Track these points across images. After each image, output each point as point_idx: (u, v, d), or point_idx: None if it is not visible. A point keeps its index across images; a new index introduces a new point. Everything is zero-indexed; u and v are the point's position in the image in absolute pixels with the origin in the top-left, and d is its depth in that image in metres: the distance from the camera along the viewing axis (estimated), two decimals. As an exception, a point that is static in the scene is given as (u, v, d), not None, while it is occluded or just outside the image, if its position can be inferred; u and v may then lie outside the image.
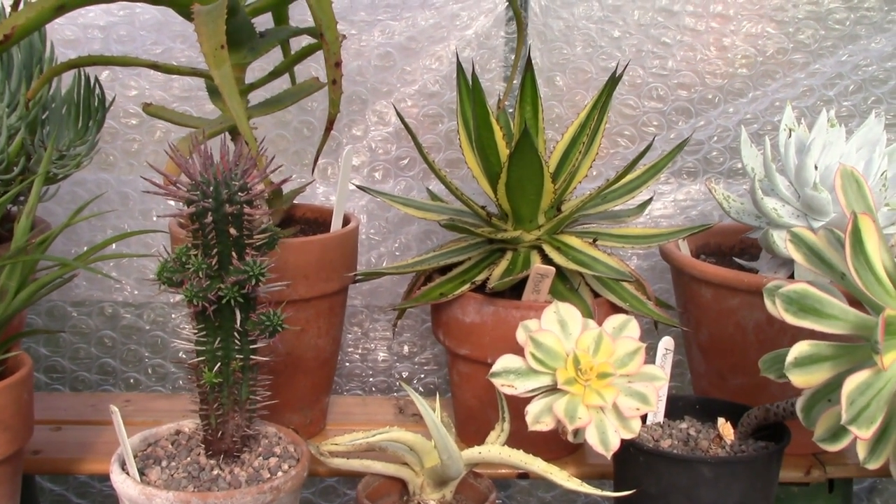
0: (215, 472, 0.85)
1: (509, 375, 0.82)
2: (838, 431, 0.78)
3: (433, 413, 0.82)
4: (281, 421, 0.97)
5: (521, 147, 0.96)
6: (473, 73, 1.02)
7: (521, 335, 0.83)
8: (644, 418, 0.95)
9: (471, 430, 1.08)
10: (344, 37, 0.97)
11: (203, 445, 0.88)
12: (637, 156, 1.03)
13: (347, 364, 1.35)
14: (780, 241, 1.04)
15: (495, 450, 0.87)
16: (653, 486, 0.87)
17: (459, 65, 1.05)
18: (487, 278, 1.02)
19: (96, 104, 1.09)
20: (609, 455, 0.80)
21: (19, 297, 0.88)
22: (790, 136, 1.08)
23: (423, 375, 1.36)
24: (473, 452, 0.88)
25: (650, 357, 0.94)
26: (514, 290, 1.03)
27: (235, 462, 0.87)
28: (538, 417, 0.80)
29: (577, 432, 0.80)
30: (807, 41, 1.28)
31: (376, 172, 1.31)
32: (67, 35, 1.24)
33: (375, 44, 1.28)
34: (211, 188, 0.78)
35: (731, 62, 1.29)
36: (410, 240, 1.31)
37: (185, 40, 1.25)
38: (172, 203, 0.81)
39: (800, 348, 0.77)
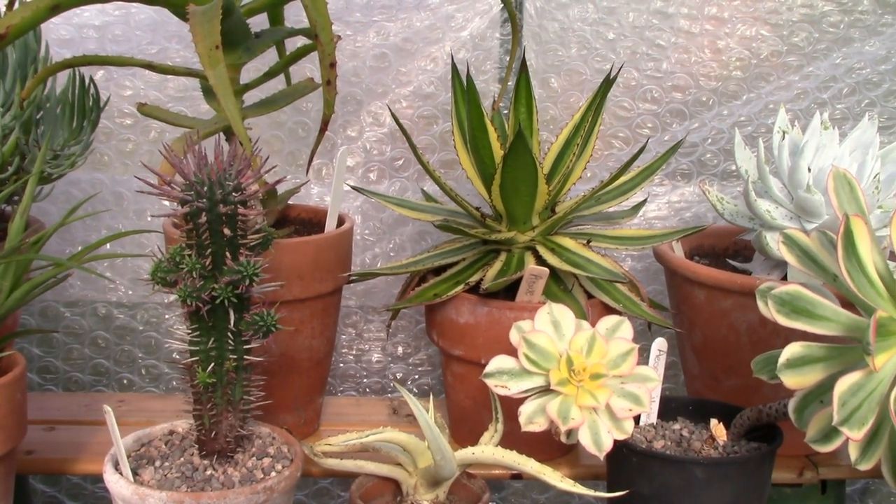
0: (209, 472, 0.85)
1: (503, 376, 0.82)
2: (830, 432, 0.78)
3: (426, 413, 0.82)
4: (275, 421, 0.97)
5: (515, 148, 0.96)
6: (468, 75, 1.02)
7: (514, 336, 0.84)
8: (637, 419, 0.96)
9: (465, 430, 1.08)
10: (339, 38, 0.97)
11: (197, 445, 0.88)
12: (631, 158, 1.03)
13: (342, 365, 1.35)
14: (774, 242, 1.04)
15: (489, 450, 0.88)
16: (645, 486, 0.87)
17: (454, 66, 1.05)
18: (481, 279, 1.03)
19: (91, 104, 1.09)
20: (602, 456, 0.80)
21: (13, 297, 0.88)
22: (784, 139, 1.09)
23: (417, 376, 1.36)
24: (467, 453, 0.88)
25: (644, 358, 0.94)
26: (509, 291, 1.03)
27: (229, 462, 0.87)
28: (531, 418, 0.80)
29: (570, 433, 0.81)
30: (801, 44, 1.29)
31: (371, 173, 1.31)
32: (63, 35, 1.24)
33: (371, 45, 1.29)
34: (205, 188, 0.78)
35: (725, 64, 1.30)
36: (405, 241, 1.32)
37: (180, 40, 1.25)
38: (167, 203, 0.81)
39: (792, 350, 0.78)
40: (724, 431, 0.89)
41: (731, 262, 1.16)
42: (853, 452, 0.79)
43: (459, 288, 1.03)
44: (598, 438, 0.80)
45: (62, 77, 1.09)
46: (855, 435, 0.73)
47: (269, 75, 1.06)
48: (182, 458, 0.87)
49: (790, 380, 0.78)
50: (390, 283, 1.30)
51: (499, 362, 0.83)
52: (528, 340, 0.82)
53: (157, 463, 0.86)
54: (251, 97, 1.11)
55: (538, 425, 0.80)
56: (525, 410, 0.81)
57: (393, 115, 1.10)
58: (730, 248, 1.23)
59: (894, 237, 0.79)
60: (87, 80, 1.09)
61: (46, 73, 0.98)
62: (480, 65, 1.30)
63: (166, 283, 0.81)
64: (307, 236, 1.08)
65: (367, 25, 1.28)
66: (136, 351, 1.33)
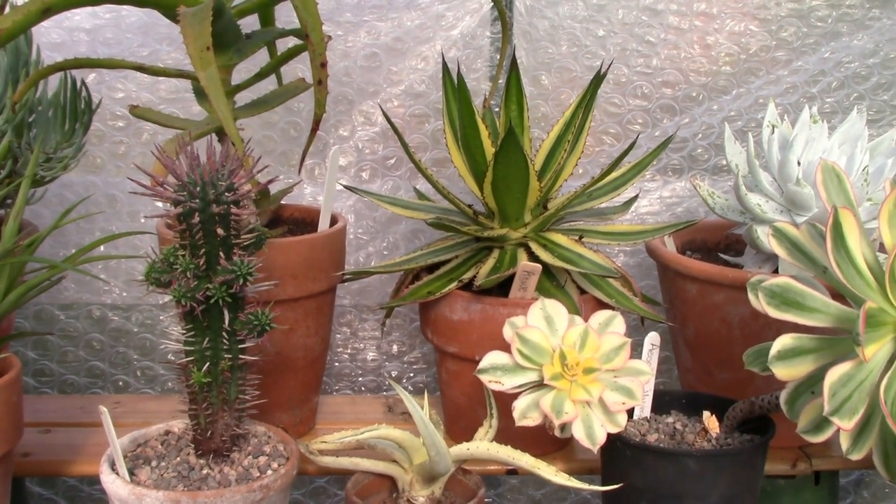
0: (205, 471, 0.85)
1: (496, 372, 0.83)
2: (821, 423, 0.78)
3: (421, 410, 0.83)
4: (271, 420, 0.98)
5: (506, 146, 0.96)
6: (459, 73, 1.03)
7: (507, 332, 0.84)
8: (631, 413, 0.96)
9: (460, 427, 1.09)
10: (329, 38, 0.97)
11: (193, 445, 0.88)
12: (621, 154, 1.04)
13: (337, 364, 1.35)
14: (764, 236, 1.05)
15: (483, 446, 0.88)
16: (639, 479, 0.88)
17: (445, 65, 1.06)
18: (475, 276, 1.03)
19: (83, 107, 1.09)
20: (595, 449, 0.81)
21: (7, 300, 0.88)
22: (773, 133, 1.10)
23: (412, 374, 1.36)
24: (462, 449, 0.89)
25: (637, 353, 0.95)
26: (502, 288, 1.04)
27: (225, 461, 0.87)
28: (525, 413, 0.81)
29: (563, 427, 0.81)
30: (789, 39, 1.29)
31: (363, 172, 1.31)
32: (54, 38, 1.24)
33: (362, 44, 1.29)
34: (198, 189, 0.78)
35: (714, 60, 1.30)
36: (398, 239, 1.32)
37: (171, 42, 1.25)
38: (160, 205, 0.81)
39: (783, 341, 0.78)
40: (717, 424, 0.90)
41: (722, 256, 1.17)
42: (844, 442, 0.79)
43: (453, 285, 1.03)
44: (591, 432, 0.80)
45: (54, 80, 1.10)
46: (846, 425, 0.74)
47: (261, 76, 1.07)
48: (178, 458, 0.87)
49: (781, 371, 0.78)
50: (384, 282, 1.30)
51: (492, 358, 0.84)
52: (522, 336, 0.83)
53: (154, 463, 0.87)
54: (243, 98, 1.11)
55: (532, 420, 0.81)
56: (519, 405, 0.81)
57: (385, 115, 1.10)
58: (721, 242, 1.23)
59: (883, 229, 0.79)
60: (78, 83, 1.09)
61: (38, 77, 0.99)
62: (471, 63, 1.30)
63: (160, 283, 0.82)
64: (300, 236, 1.08)
65: (358, 25, 1.29)
66: (131, 353, 1.33)
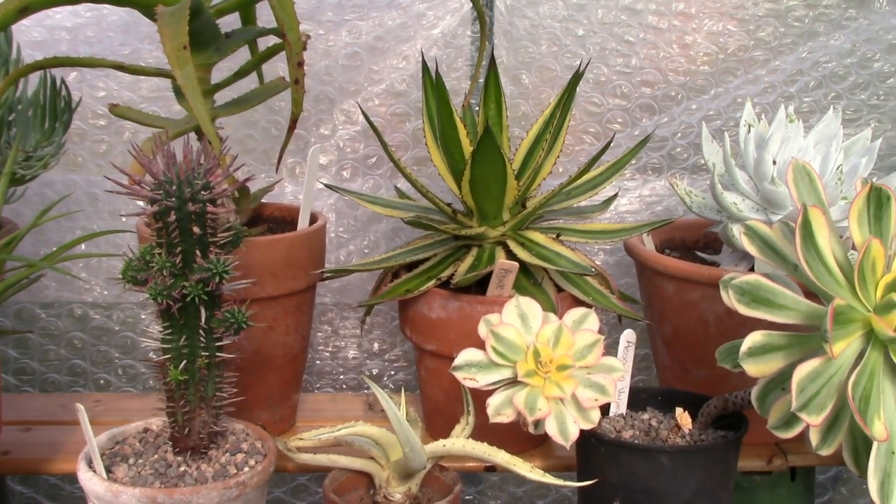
0: (182, 468, 0.86)
1: (471, 369, 0.84)
2: (791, 419, 0.79)
3: (395, 406, 0.83)
4: (250, 418, 0.98)
5: (483, 145, 0.97)
6: (437, 72, 1.04)
7: (482, 329, 0.85)
8: (607, 410, 0.97)
9: (439, 424, 1.09)
10: (308, 37, 0.98)
11: (170, 443, 0.89)
12: (598, 153, 1.04)
13: (318, 362, 1.36)
14: (739, 234, 1.06)
15: (459, 442, 0.89)
16: (614, 475, 0.88)
17: (425, 64, 1.06)
18: (453, 274, 1.04)
19: (62, 106, 1.09)
20: (568, 445, 0.81)
21: (-15, 298, 0.89)
22: (749, 132, 1.11)
23: (393, 372, 1.37)
24: (438, 445, 0.89)
25: (615, 350, 0.96)
26: (480, 286, 1.04)
27: (202, 458, 0.88)
28: (499, 409, 0.82)
29: (537, 424, 0.82)
30: (767, 38, 1.30)
31: (344, 171, 1.32)
32: (34, 37, 1.24)
33: (343, 43, 1.29)
34: (174, 187, 0.79)
35: (693, 60, 1.31)
36: (379, 237, 1.33)
37: (152, 41, 1.26)
38: (141, 204, 0.82)
39: (753, 338, 0.79)
40: (690, 420, 0.91)
41: (699, 254, 1.18)
42: (814, 438, 0.80)
43: (431, 283, 1.04)
44: (564, 428, 0.81)
45: (34, 79, 1.10)
46: (814, 420, 0.75)
47: (240, 75, 1.07)
48: (156, 455, 0.88)
49: (752, 368, 0.79)
50: (365, 280, 1.31)
51: (467, 355, 0.84)
52: (496, 333, 0.84)
53: (131, 460, 0.87)
54: (224, 96, 1.12)
55: (506, 416, 0.81)
56: (493, 402, 0.82)
57: (364, 114, 1.10)
58: (700, 240, 1.24)
59: (853, 227, 0.80)
60: (58, 82, 1.09)
61: (17, 75, 0.99)
62: (452, 62, 1.31)
63: (137, 281, 0.82)
64: (280, 234, 1.08)
65: (339, 24, 1.29)
66: (112, 351, 1.33)
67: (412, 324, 1.08)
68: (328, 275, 1.13)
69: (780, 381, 0.82)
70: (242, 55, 1.12)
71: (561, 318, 0.88)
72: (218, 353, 0.86)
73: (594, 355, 0.84)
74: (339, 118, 1.31)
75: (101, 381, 1.34)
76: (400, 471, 0.89)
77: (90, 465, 0.85)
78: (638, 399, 1.00)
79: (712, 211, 1.14)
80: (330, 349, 1.36)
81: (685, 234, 1.24)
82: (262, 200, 1.19)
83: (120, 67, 1.02)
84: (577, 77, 1.07)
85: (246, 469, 0.86)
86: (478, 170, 1.00)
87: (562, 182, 1.08)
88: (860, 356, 0.78)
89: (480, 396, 0.88)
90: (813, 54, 1.31)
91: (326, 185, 1.20)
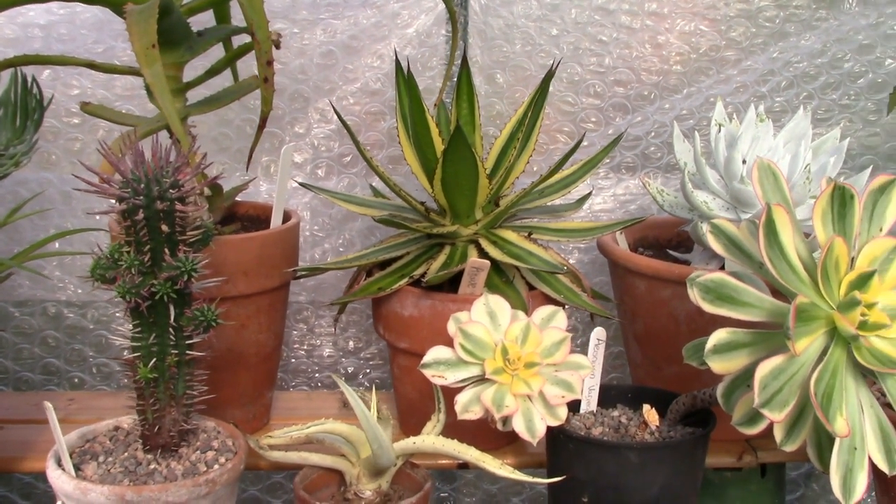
0: (152, 466, 0.86)
1: (440, 366, 0.84)
2: (755, 415, 0.80)
3: (363, 403, 0.84)
4: (224, 416, 0.98)
5: (454, 143, 0.97)
6: (409, 70, 1.04)
7: (451, 327, 0.85)
8: (577, 407, 0.98)
9: (412, 422, 1.10)
10: (279, 35, 0.98)
11: (141, 441, 0.89)
12: (569, 151, 1.05)
13: (293, 360, 1.36)
14: (706, 232, 1.06)
15: (429, 440, 0.89)
16: (582, 472, 0.89)
17: (398, 62, 1.07)
18: (426, 272, 1.04)
19: (34, 104, 1.09)
20: (535, 442, 0.82)
21: (-46, 296, 0.88)
22: (720, 131, 1.11)
23: (368, 370, 1.37)
24: (408, 443, 0.90)
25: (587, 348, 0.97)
26: (453, 284, 1.05)
27: (173, 456, 0.88)
28: (467, 406, 0.82)
29: (505, 420, 0.82)
30: (738, 38, 1.31)
31: (319, 170, 1.32)
32: (7, 34, 1.24)
33: (318, 42, 1.30)
34: (142, 185, 0.79)
35: (666, 59, 1.32)
36: (354, 236, 1.33)
37: (125, 39, 1.23)
38: (112, 202, 0.82)
39: (718, 336, 0.80)
40: (657, 416, 0.92)
41: (671, 252, 1.19)
42: (778, 434, 0.81)
43: (404, 281, 1.04)
44: (531, 425, 0.82)
45: (5, 76, 1.09)
46: (776, 417, 0.76)
47: (212, 73, 1.07)
48: (126, 454, 0.88)
49: (717, 365, 0.80)
50: (340, 279, 1.31)
51: (436, 353, 0.85)
52: (464, 331, 0.84)
53: (101, 458, 0.87)
54: (199, 95, 1.12)
55: (473, 413, 0.82)
56: (461, 399, 0.82)
57: (336, 113, 1.11)
58: (673, 239, 1.25)
59: (817, 225, 0.81)
60: (29, 80, 1.09)
61: (-13, 73, 0.99)
62: (427, 61, 1.31)
63: (105, 279, 0.82)
64: (253, 232, 1.09)
65: (314, 23, 1.29)
66: (86, 350, 1.33)
67: (385, 322, 1.08)
68: (302, 273, 1.13)
69: (746, 378, 0.83)
70: (218, 54, 1.12)
71: (531, 315, 0.88)
72: (188, 351, 0.86)
73: (562, 353, 0.84)
74: (314, 117, 1.31)
75: (76, 380, 1.34)
76: (370, 468, 0.90)
77: (59, 463, 0.85)
78: (608, 396, 1.00)
79: (684, 210, 1.15)
80: (305, 347, 1.36)
81: (658, 233, 1.25)
82: (237, 199, 1.19)
83: (91, 66, 1.02)
84: (549, 76, 1.07)
85: (216, 466, 0.86)
86: (449, 168, 1.01)
87: (533, 181, 1.09)
88: (823, 353, 0.79)
89: (452, 394, 0.89)
90: (784, 54, 1.32)
91: (301, 184, 1.21)
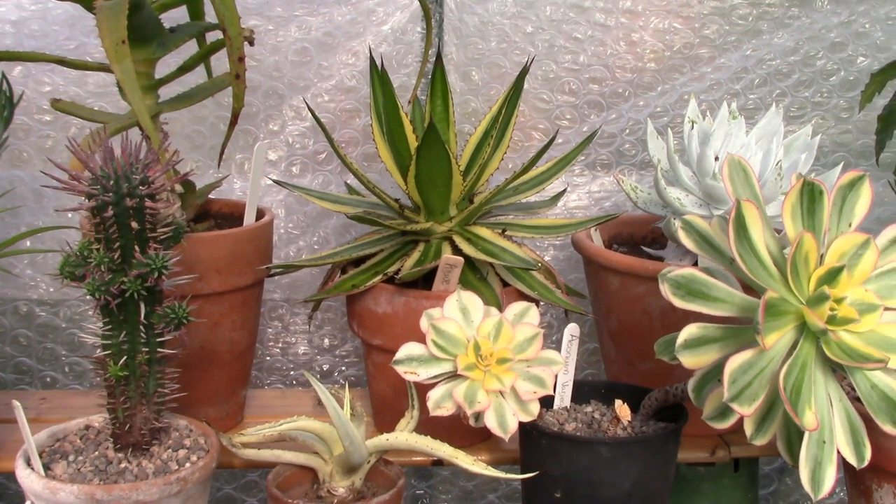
0: (123, 465, 0.85)
1: (412, 363, 0.84)
2: (725, 410, 0.81)
3: (334, 400, 0.83)
4: (197, 414, 0.98)
5: (428, 140, 0.97)
6: (382, 67, 1.04)
7: (423, 323, 0.85)
8: (551, 403, 0.98)
9: (387, 419, 1.10)
10: (252, 31, 0.98)
11: (112, 439, 0.88)
12: (541, 148, 1.06)
13: (268, 358, 1.35)
14: (677, 228, 1.07)
15: (402, 436, 0.89)
16: (555, 467, 0.89)
17: (372, 60, 1.06)
18: (400, 269, 1.04)
19: (3, 101, 1.08)
20: (507, 437, 0.82)
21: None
22: (693, 128, 1.12)
23: (343, 368, 1.37)
24: (381, 439, 0.90)
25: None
26: (428, 281, 1.05)
27: (144, 455, 0.87)
28: (439, 403, 0.82)
29: (478, 416, 0.83)
30: (712, 36, 1.32)
31: (294, 167, 1.32)
32: (-23, 30, 1.23)
33: (292, 39, 1.29)
34: (111, 182, 0.78)
35: (640, 57, 1.33)
36: (329, 233, 1.33)
37: (98, 35, 1.24)
38: (84, 200, 0.81)
39: (689, 331, 0.80)
40: (629, 412, 0.92)
41: (645, 249, 1.20)
42: (748, 428, 0.82)
43: (377, 278, 1.04)
44: (503, 421, 0.82)
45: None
46: (745, 411, 0.76)
47: (184, 69, 1.07)
48: (97, 452, 0.87)
49: (688, 360, 0.81)
50: (315, 276, 1.31)
51: (408, 349, 0.85)
52: (437, 327, 0.84)
53: (71, 457, 0.86)
54: (174, 92, 1.11)
55: (446, 409, 0.82)
56: (433, 395, 0.82)
57: (310, 110, 1.10)
58: (647, 236, 1.26)
59: (786, 221, 0.82)
60: (-1, 77, 1.08)
61: (-45, 69, 0.98)
62: (402, 59, 1.31)
63: (75, 277, 0.81)
64: (226, 230, 1.08)
65: (289, 20, 1.29)
66: (58, 348, 1.32)
67: (359, 319, 1.08)
68: (276, 271, 1.13)
69: (716, 373, 0.83)
70: (192, 51, 1.11)
71: (504, 312, 0.88)
72: (159, 349, 0.85)
73: (534, 348, 0.84)
74: (289, 114, 1.30)
75: (48, 379, 1.33)
76: (343, 465, 0.89)
77: (28, 462, 0.84)
78: (582, 392, 1.01)
79: (657, 206, 1.15)
80: (280, 345, 1.35)
81: (633, 230, 1.26)
82: (210, 197, 1.19)
83: (61, 62, 1.01)
84: (523, 73, 1.08)
85: (187, 465, 0.85)
86: (423, 165, 1.01)
87: (506, 177, 1.09)
88: (793, 347, 0.79)
89: (426, 391, 0.88)
90: (757, 52, 1.33)
91: (275, 181, 1.20)
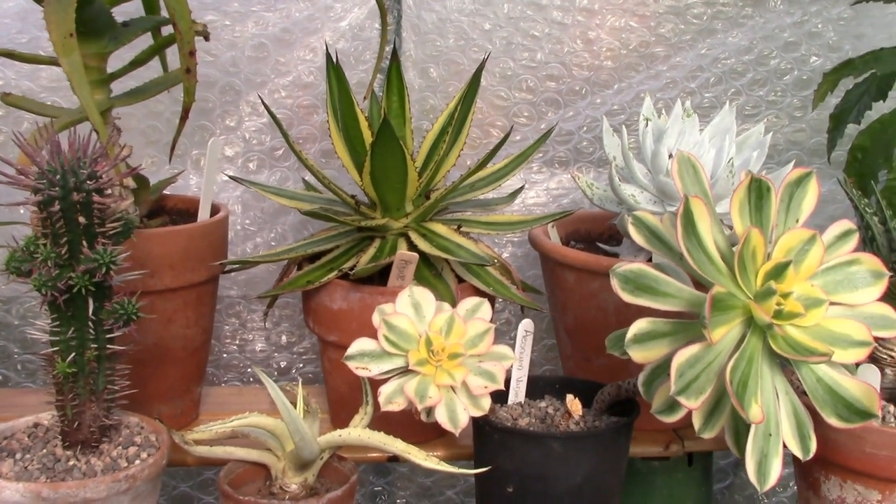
0: (71, 462, 0.84)
1: (364, 358, 0.84)
2: (673, 404, 0.81)
3: (283, 396, 0.83)
4: (151, 411, 0.97)
5: (381, 135, 0.97)
6: (337, 63, 1.04)
7: (376, 318, 0.85)
8: (506, 398, 0.99)
9: (343, 415, 1.09)
10: (204, 26, 0.97)
11: (60, 437, 0.87)
12: (496, 145, 1.06)
13: (225, 355, 1.35)
14: (627, 224, 1.08)
15: (355, 432, 0.89)
16: (507, 462, 0.90)
17: (328, 55, 1.06)
18: (355, 265, 1.04)
19: (-48, 95, 1.06)
20: (457, 432, 0.82)
21: None
22: (647, 126, 1.13)
23: (301, 365, 1.37)
24: (334, 436, 0.89)
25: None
26: (385, 278, 1.05)
27: (93, 452, 0.86)
28: (390, 398, 0.82)
29: (429, 412, 0.83)
30: (667, 35, 1.33)
31: (251, 163, 1.31)
32: (-74, 23, 1.21)
33: (249, 35, 1.29)
34: (58, 176, 0.77)
35: (596, 55, 1.33)
36: (287, 230, 1.32)
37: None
38: (31, 194, 0.80)
39: (639, 325, 0.81)
40: (580, 406, 0.93)
41: (601, 245, 1.20)
42: (696, 421, 0.83)
43: (332, 274, 1.04)
44: (454, 416, 0.82)
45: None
46: (692, 404, 0.77)
47: (136, 64, 1.06)
48: (45, 450, 0.86)
49: (637, 354, 0.81)
50: (272, 273, 1.30)
51: (360, 345, 0.85)
52: (389, 323, 0.84)
53: (18, 455, 0.85)
54: (130, 87, 1.10)
55: (397, 405, 0.82)
56: (384, 391, 0.83)
57: (265, 105, 1.10)
58: (605, 233, 1.26)
59: (734, 216, 0.83)
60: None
61: None
62: (360, 55, 1.31)
63: (21, 272, 0.80)
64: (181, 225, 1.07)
65: (246, 15, 1.28)
66: (11, 346, 1.30)
67: (315, 315, 1.08)
68: (233, 267, 1.12)
69: (666, 368, 0.84)
70: (148, 45, 1.10)
71: (456, 307, 0.89)
72: (109, 346, 0.85)
73: (485, 344, 0.85)
74: (246, 110, 1.30)
75: (0, 377, 1.31)
76: (295, 461, 0.89)
77: (-26, 460, 0.83)
78: (537, 387, 1.01)
79: (613, 203, 1.16)
80: (237, 342, 1.35)
81: (590, 227, 1.27)
82: (166, 192, 1.18)
83: (10, 55, 1.00)
84: (479, 70, 1.08)
85: (137, 462, 0.85)
86: (378, 161, 1.01)
87: (462, 174, 1.09)
88: (740, 342, 0.80)
89: (380, 387, 0.89)
90: (712, 51, 1.34)
91: (231, 177, 1.19)
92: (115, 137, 0.99)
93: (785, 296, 0.80)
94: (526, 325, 0.98)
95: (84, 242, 0.80)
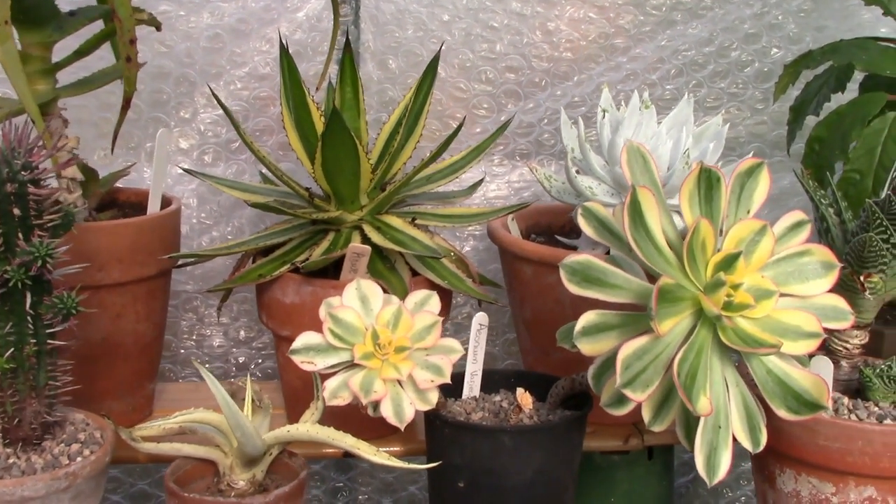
0: (11, 460, 0.83)
1: (309, 352, 0.83)
2: (622, 396, 0.81)
3: (223, 390, 0.82)
4: (101, 408, 0.95)
5: (332, 126, 0.96)
6: (288, 54, 1.02)
7: (322, 312, 0.84)
8: (461, 392, 0.98)
9: (298, 411, 1.07)
10: (150, 15, 0.96)
11: (0, 434, 0.85)
12: (449, 136, 1.05)
13: (182, 351, 1.33)
14: (577, 215, 1.07)
15: (303, 428, 0.88)
16: (458, 457, 0.89)
17: (282, 45, 1.04)
18: (308, 258, 1.02)
19: None
20: (402, 426, 0.81)
21: None
22: (604, 118, 1.12)
23: (260, 360, 1.35)
24: (282, 431, 0.88)
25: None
26: (338, 271, 1.03)
27: (35, 450, 0.84)
28: (336, 392, 0.81)
29: (375, 406, 0.81)
30: (627, 26, 1.32)
31: (206, 156, 1.29)
32: None
33: (205, 25, 1.27)
34: (-10, 167, 0.75)
35: (556, 46, 1.32)
36: (244, 224, 1.30)
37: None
38: None
39: (587, 318, 0.80)
40: (531, 400, 0.92)
41: (560, 238, 1.19)
42: (646, 414, 0.82)
43: (285, 268, 1.02)
44: (399, 410, 0.81)
45: None
46: (638, 397, 0.76)
47: (80, 53, 1.04)
48: (-16, 448, 0.84)
49: (586, 347, 0.80)
50: (229, 267, 1.28)
51: (306, 339, 0.83)
52: (335, 316, 0.83)
53: (-44, 454, 0.83)
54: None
55: (342, 399, 0.81)
56: (329, 385, 0.81)
57: (216, 98, 1.08)
58: (565, 226, 1.25)
59: (683, 207, 0.82)
60: None
61: None
62: (317, 46, 1.29)
63: (-46, 266, 0.78)
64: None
65: (201, 6, 1.26)
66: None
67: (268, 310, 1.06)
68: (186, 261, 1.11)
69: (615, 360, 0.83)
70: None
71: (405, 300, 0.87)
72: (49, 341, 0.83)
73: (433, 337, 0.84)
74: (201, 101, 1.28)
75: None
76: (242, 457, 0.88)
77: None
78: (491, 381, 1.00)
79: (571, 196, 1.15)
80: (195, 338, 1.33)
81: (551, 220, 1.26)
82: (120, 185, 1.16)
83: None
84: (435, 61, 1.07)
85: (79, 459, 0.83)
86: (329, 152, 0.99)
87: (415, 166, 1.08)
88: (689, 333, 0.80)
89: (331, 381, 0.87)
90: (672, 42, 1.33)
91: (185, 170, 1.18)
92: (60, 129, 0.97)
93: (735, 287, 0.79)
94: (480, 318, 0.97)
95: (20, 235, 0.78)
